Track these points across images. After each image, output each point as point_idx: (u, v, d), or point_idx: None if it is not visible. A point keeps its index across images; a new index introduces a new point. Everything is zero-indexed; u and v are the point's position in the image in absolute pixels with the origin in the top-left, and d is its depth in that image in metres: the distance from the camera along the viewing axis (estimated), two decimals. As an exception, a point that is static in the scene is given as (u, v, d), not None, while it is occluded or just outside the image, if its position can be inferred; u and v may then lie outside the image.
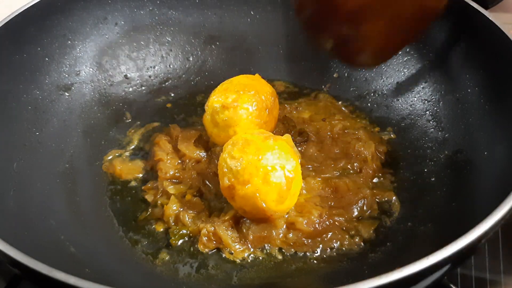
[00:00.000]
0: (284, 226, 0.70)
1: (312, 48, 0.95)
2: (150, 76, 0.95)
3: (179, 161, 0.80)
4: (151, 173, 0.80)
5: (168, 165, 0.79)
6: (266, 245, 0.70)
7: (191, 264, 0.69)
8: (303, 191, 0.73)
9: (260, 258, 0.69)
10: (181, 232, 0.72)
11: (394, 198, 0.75)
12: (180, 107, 0.92)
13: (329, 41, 0.72)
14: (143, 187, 0.78)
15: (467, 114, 0.77)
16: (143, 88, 0.94)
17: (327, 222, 0.71)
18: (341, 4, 0.67)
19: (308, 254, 0.69)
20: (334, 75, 0.93)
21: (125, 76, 0.93)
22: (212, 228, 0.70)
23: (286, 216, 0.71)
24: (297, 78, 0.95)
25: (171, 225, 0.73)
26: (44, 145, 0.78)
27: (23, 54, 0.80)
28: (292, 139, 0.73)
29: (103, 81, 0.91)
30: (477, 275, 0.68)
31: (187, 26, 0.97)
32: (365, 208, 0.73)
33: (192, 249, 0.70)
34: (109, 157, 0.83)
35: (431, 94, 0.84)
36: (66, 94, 0.86)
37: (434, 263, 0.47)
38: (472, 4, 0.77)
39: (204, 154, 0.80)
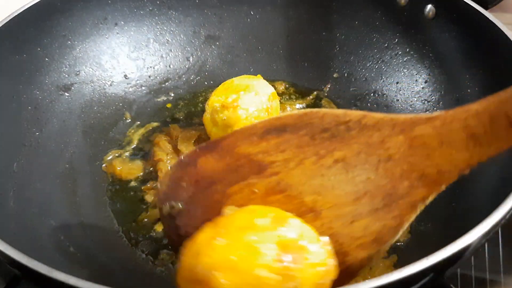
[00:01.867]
0: None
1: (312, 48, 0.95)
2: (150, 76, 0.95)
3: (179, 161, 0.80)
4: (151, 173, 0.80)
5: (168, 165, 0.79)
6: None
7: (191, 264, 0.69)
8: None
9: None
10: (181, 232, 0.72)
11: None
12: (180, 107, 0.92)
13: None
14: (143, 187, 0.78)
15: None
16: (143, 88, 0.94)
17: None
18: None
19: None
20: (334, 75, 0.93)
21: (125, 76, 0.93)
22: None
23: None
24: (297, 78, 0.95)
25: (171, 225, 0.73)
26: (44, 145, 0.78)
27: (23, 54, 0.80)
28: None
29: (103, 81, 0.91)
30: (477, 275, 0.67)
31: (187, 26, 0.97)
32: None
33: (192, 249, 0.70)
34: (109, 157, 0.83)
35: (431, 94, 0.84)
36: (66, 94, 0.86)
37: (434, 263, 0.47)
38: (472, 4, 0.77)
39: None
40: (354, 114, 0.46)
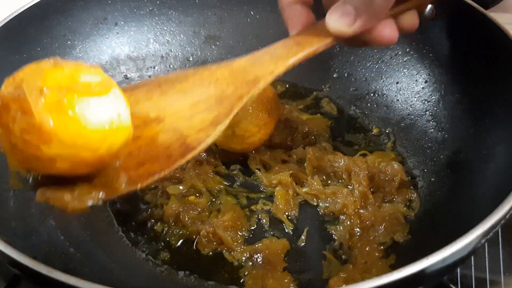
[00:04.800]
0: None
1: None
2: (150, 76, 0.95)
3: (179, 161, 0.80)
4: (151, 173, 0.80)
5: (168, 165, 0.79)
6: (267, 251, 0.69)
7: (191, 264, 0.69)
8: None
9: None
10: (181, 232, 0.72)
11: (414, 195, 0.75)
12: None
13: None
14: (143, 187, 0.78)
15: (467, 114, 0.77)
16: (143, 88, 0.94)
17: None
18: None
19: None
20: (334, 75, 0.93)
21: (125, 76, 0.93)
22: (212, 229, 0.70)
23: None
24: (297, 78, 0.95)
25: (171, 225, 0.73)
26: (44, 145, 0.78)
27: (23, 54, 0.80)
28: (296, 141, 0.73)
29: (103, 81, 0.91)
30: (477, 275, 0.68)
31: (187, 26, 0.97)
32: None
33: (192, 249, 0.70)
34: (109, 157, 0.83)
35: (431, 94, 0.84)
36: (66, 94, 0.86)
37: (434, 263, 0.47)
38: (472, 4, 0.77)
39: (204, 154, 0.80)
40: (190, 69, 0.62)
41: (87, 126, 0.47)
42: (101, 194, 0.50)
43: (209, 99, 0.58)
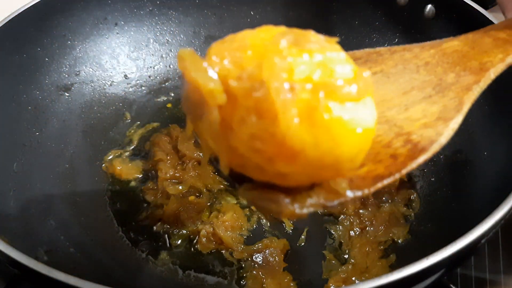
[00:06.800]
0: None
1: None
2: (150, 76, 0.95)
3: (179, 162, 0.80)
4: (151, 173, 0.80)
5: (168, 165, 0.79)
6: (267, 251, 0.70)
7: (191, 264, 0.69)
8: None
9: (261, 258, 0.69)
10: (180, 232, 0.72)
11: (414, 195, 0.75)
12: (181, 107, 0.92)
13: None
14: (143, 187, 0.78)
15: (467, 114, 0.77)
16: (143, 88, 0.94)
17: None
18: None
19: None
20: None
21: (125, 76, 0.93)
22: (212, 229, 0.70)
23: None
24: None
25: (171, 225, 0.73)
26: (44, 145, 0.78)
27: (23, 54, 0.80)
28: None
29: (103, 81, 0.91)
30: (477, 275, 0.67)
31: (187, 26, 0.97)
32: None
33: (192, 249, 0.71)
34: (109, 157, 0.83)
35: (431, 94, 0.84)
36: (66, 94, 0.86)
37: (434, 263, 0.47)
38: (472, 4, 0.77)
39: (204, 154, 0.80)
40: (383, 48, 0.53)
41: (343, 143, 0.35)
42: (322, 199, 0.40)
43: (423, 86, 0.48)
